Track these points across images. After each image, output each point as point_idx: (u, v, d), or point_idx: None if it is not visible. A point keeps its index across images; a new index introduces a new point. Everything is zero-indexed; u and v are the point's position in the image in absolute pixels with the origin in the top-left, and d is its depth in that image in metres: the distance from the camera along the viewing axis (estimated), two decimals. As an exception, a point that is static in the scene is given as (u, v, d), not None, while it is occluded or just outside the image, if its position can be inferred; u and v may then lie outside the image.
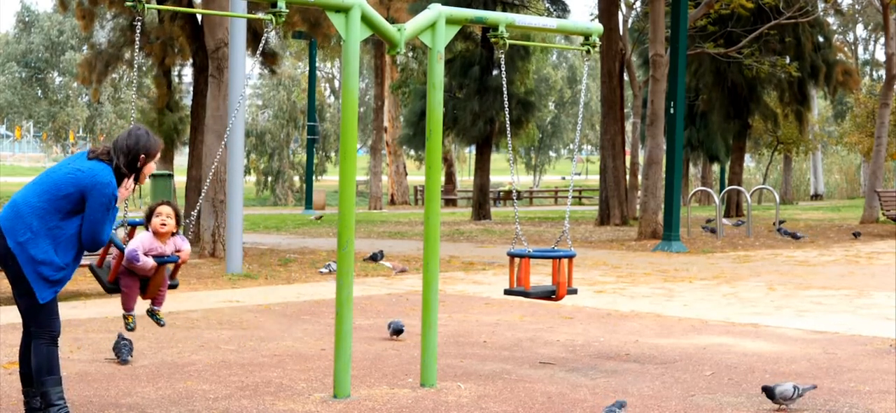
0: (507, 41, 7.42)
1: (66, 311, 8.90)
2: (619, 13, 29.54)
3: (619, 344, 8.97)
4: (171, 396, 6.71)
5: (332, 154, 66.13)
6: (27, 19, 71.12)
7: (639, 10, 33.13)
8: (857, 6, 54.82)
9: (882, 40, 55.17)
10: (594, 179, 60.62)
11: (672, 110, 19.77)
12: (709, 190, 27.83)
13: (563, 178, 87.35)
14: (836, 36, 53.18)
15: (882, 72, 56.87)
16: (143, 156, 5.72)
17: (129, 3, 6.00)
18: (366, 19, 6.70)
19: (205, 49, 17.28)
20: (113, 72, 29.63)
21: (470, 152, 73.00)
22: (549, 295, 7.51)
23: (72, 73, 59.90)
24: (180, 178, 32.26)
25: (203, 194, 6.89)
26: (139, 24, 6.13)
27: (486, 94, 29.53)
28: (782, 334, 9.60)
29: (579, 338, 9.27)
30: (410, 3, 29.75)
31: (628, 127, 37.59)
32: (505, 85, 7.76)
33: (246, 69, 14.96)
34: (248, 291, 12.53)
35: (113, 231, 5.98)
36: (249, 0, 14.85)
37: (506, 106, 7.71)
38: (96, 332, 9.19)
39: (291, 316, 10.53)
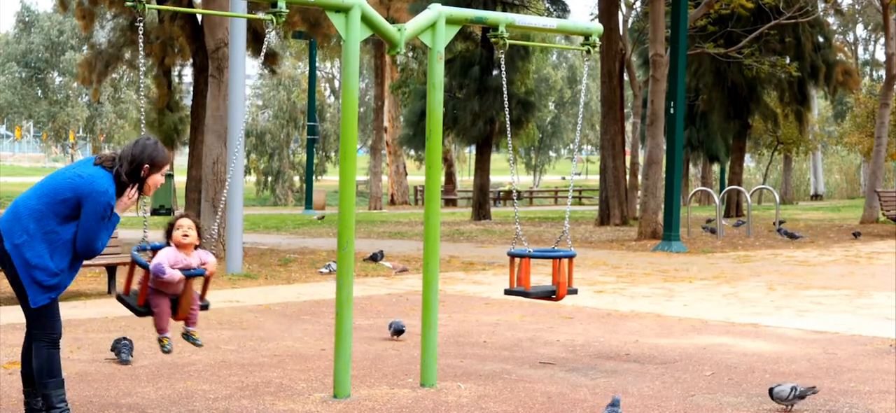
0: (507, 41, 7.41)
1: (66, 311, 8.90)
2: (619, 13, 29.54)
3: (619, 344, 8.97)
4: (171, 396, 6.71)
5: (332, 154, 66.14)
6: (27, 19, 71.15)
7: (639, 10, 33.13)
8: (857, 6, 54.83)
9: (882, 40, 55.19)
10: (594, 179, 60.63)
11: (672, 110, 19.77)
12: (709, 190, 27.83)
13: (563, 178, 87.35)
14: (836, 36, 53.18)
15: (882, 72, 56.87)
16: (146, 166, 5.62)
17: (129, 3, 5.96)
18: (366, 19, 6.70)
19: (205, 49, 17.28)
20: (113, 72, 29.68)
21: (470, 152, 73.02)
22: (550, 295, 7.51)
23: (72, 73, 59.92)
24: (180, 179, 32.28)
25: (222, 206, 6.85)
26: (141, 24, 6.03)
27: (486, 94, 29.53)
28: (782, 334, 9.60)
29: (579, 338, 9.27)
30: (410, 3, 29.76)
31: (628, 127, 37.60)
32: (505, 85, 7.75)
33: (246, 69, 14.96)
34: (248, 291, 12.53)
35: (136, 253, 5.92)
36: (249, 0, 14.86)
37: (506, 106, 7.71)
38: (96, 332, 9.19)
39: (291, 316, 10.53)
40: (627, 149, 31.92)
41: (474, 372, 7.63)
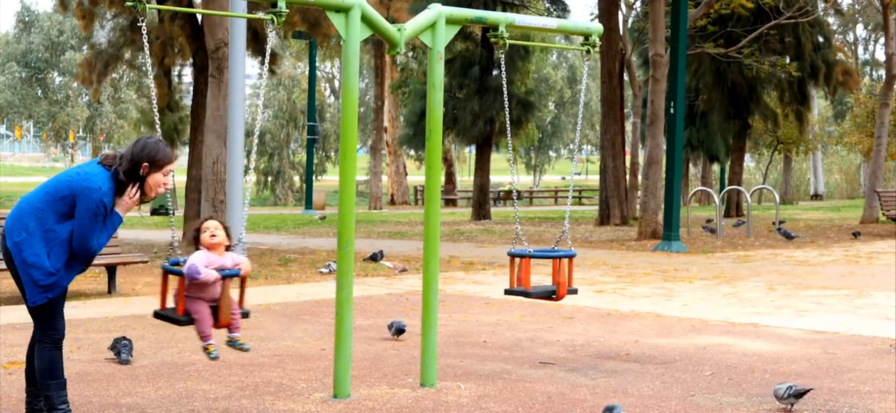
0: (507, 41, 7.41)
1: (66, 310, 8.87)
2: (619, 13, 29.55)
3: (619, 344, 8.97)
4: (171, 396, 6.71)
5: (332, 154, 66.17)
6: (27, 19, 71.17)
7: (639, 10, 33.14)
8: (857, 6, 54.83)
9: (882, 40, 55.19)
10: (594, 179, 60.64)
11: (672, 110, 19.77)
12: (709, 190, 27.83)
13: (563, 178, 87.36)
14: (836, 36, 53.19)
15: (882, 72, 56.88)
16: (146, 164, 5.53)
17: (129, 3, 5.95)
18: (366, 19, 6.70)
19: (205, 49, 17.28)
20: (113, 72, 29.63)
21: (470, 152, 73.04)
22: (550, 295, 7.51)
23: (72, 73, 59.94)
24: (180, 178, 32.24)
25: (245, 207, 6.83)
26: (143, 24, 5.97)
27: (486, 94, 29.53)
28: (782, 334, 9.60)
29: (579, 338, 9.26)
30: (410, 3, 29.75)
31: (628, 127, 37.60)
32: (505, 85, 7.75)
33: (246, 69, 14.95)
34: (248, 291, 12.51)
35: (167, 265, 5.85)
36: (249, 0, 14.85)
37: (506, 106, 7.71)
38: (96, 332, 9.19)
39: (291, 316, 10.53)
40: (627, 149, 31.93)
41: (474, 372, 7.63)
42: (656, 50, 21.19)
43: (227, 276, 5.88)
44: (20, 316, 9.95)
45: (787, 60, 32.44)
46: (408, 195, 49.73)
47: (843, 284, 13.74)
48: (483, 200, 31.10)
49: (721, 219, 22.72)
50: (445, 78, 24.48)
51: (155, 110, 5.97)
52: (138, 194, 5.59)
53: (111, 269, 12.17)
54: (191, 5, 19.96)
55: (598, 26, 7.84)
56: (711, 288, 13.35)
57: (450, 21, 7.17)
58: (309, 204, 37.08)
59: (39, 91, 72.14)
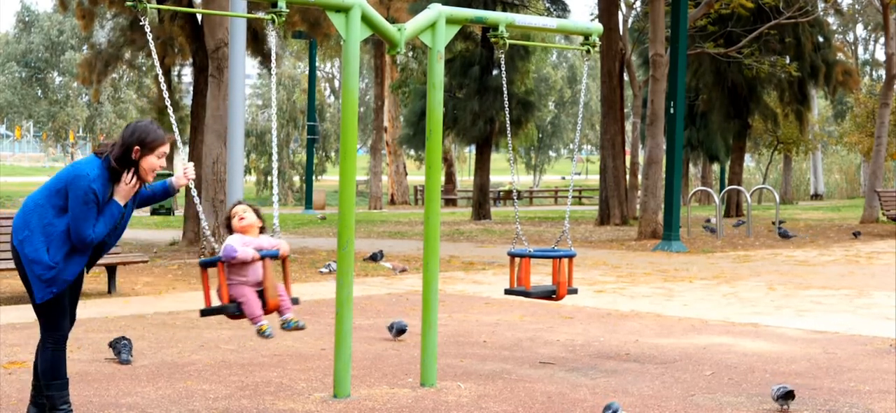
0: (507, 41, 7.42)
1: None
2: (619, 13, 29.55)
3: (619, 344, 8.97)
4: (171, 396, 6.71)
5: (332, 154, 66.15)
6: (27, 19, 71.17)
7: (639, 10, 33.13)
8: (857, 6, 54.85)
9: (882, 40, 55.17)
10: (594, 179, 60.62)
11: (672, 110, 19.77)
12: (709, 190, 27.83)
13: (563, 178, 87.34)
14: (836, 36, 53.19)
15: (882, 72, 56.87)
16: (137, 148, 5.50)
17: (129, 3, 5.95)
18: (366, 19, 6.70)
19: (205, 49, 17.29)
20: (113, 72, 29.63)
21: (470, 152, 73.05)
22: (550, 295, 7.51)
23: (72, 73, 59.92)
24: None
25: (278, 204, 6.75)
26: (145, 23, 5.94)
27: (486, 94, 29.53)
28: (782, 334, 9.60)
29: (579, 338, 9.27)
30: (410, 3, 29.75)
31: (628, 127, 37.60)
32: (505, 85, 7.76)
33: (246, 69, 14.97)
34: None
35: (203, 260, 5.84)
36: (249, 0, 14.86)
37: (506, 106, 7.72)
38: (96, 332, 9.19)
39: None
40: (627, 149, 31.93)
41: (474, 372, 7.63)
42: (656, 50, 21.19)
43: (265, 255, 5.84)
44: (20, 316, 9.95)
45: (787, 60, 32.43)
46: (408, 195, 49.73)
47: (843, 284, 13.74)
48: (483, 200, 31.10)
49: (721, 219, 22.72)
50: (445, 78, 24.47)
51: (168, 104, 5.98)
52: (135, 180, 5.57)
53: (111, 269, 12.17)
54: (191, 5, 19.97)
55: (597, 26, 7.84)
56: (711, 288, 13.35)
57: (450, 21, 7.17)
58: (309, 204, 37.07)
59: (39, 91, 72.16)
